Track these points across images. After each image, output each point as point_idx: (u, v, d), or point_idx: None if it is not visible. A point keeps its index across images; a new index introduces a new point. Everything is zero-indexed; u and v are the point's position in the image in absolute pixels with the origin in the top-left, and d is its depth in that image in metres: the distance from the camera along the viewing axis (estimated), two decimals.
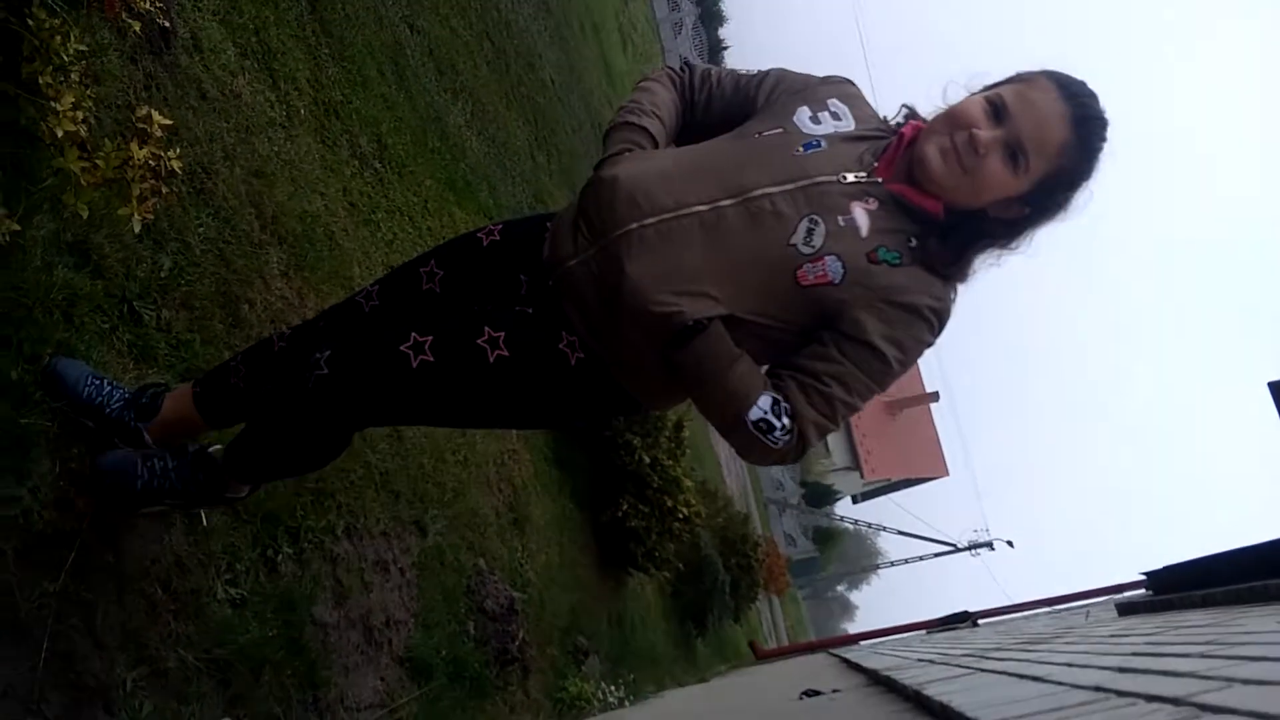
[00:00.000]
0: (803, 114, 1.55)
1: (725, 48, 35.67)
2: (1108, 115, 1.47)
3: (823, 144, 1.50)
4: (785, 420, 1.39)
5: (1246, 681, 0.93)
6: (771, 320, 1.43)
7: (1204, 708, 0.82)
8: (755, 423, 1.38)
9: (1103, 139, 1.46)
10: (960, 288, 1.53)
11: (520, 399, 1.47)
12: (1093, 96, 1.46)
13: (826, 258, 1.40)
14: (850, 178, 1.47)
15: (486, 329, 1.42)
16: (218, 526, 1.86)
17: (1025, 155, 1.43)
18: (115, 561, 1.60)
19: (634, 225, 1.43)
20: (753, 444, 1.40)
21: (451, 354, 1.42)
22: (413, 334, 1.42)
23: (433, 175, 4.14)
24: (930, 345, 1.48)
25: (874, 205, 1.45)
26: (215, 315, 2.10)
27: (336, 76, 3.37)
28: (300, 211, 2.70)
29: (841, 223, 1.43)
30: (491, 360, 1.41)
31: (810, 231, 1.42)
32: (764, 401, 1.39)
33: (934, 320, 1.46)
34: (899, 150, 1.51)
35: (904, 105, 1.62)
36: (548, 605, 3.95)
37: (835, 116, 1.56)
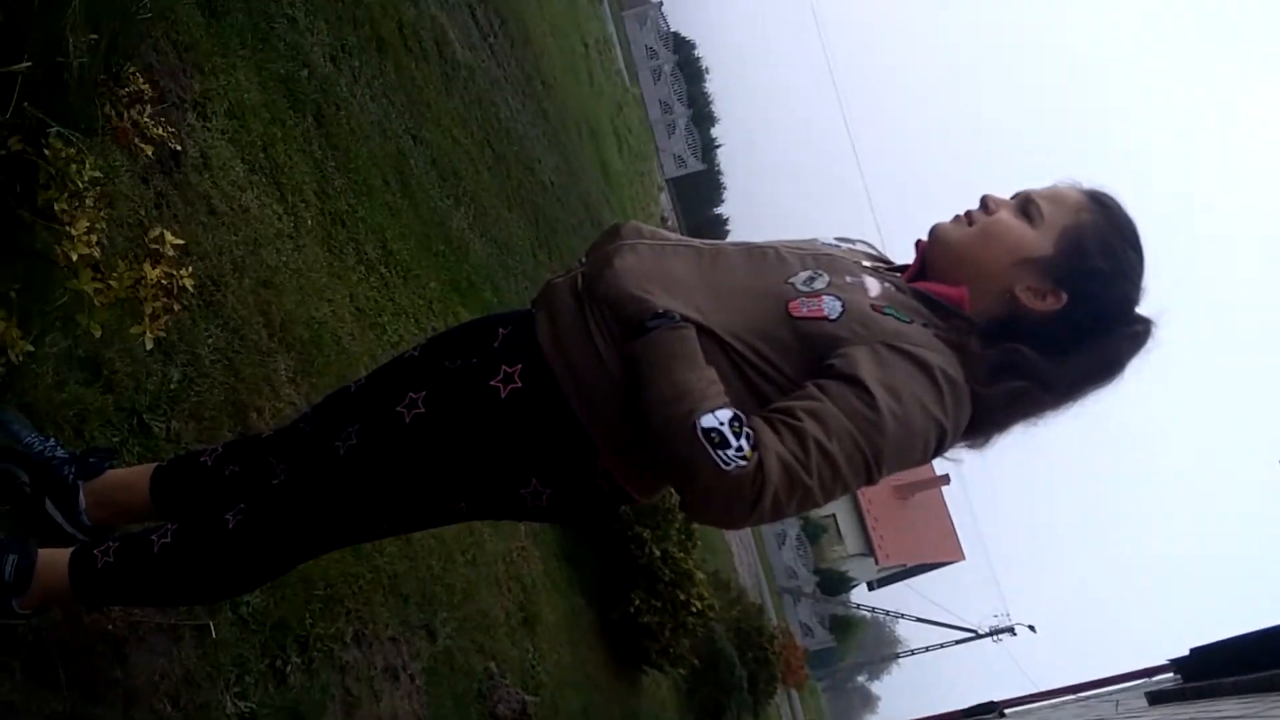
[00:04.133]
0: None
1: (718, 146, 36.63)
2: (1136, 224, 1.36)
3: (840, 247, 1.45)
4: (745, 443, 1.12)
5: None
6: (754, 354, 1.26)
7: None
8: (707, 431, 1.12)
9: (1130, 222, 1.35)
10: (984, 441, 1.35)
11: (445, 457, 1.31)
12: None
13: (825, 296, 1.27)
14: (867, 263, 1.41)
15: (409, 394, 1.34)
16: (226, 638, 1.85)
17: (1038, 207, 1.34)
18: (123, 676, 1.58)
19: (630, 241, 1.39)
20: (698, 460, 1.12)
21: (371, 430, 1.35)
22: (347, 426, 1.39)
23: (437, 277, 4.21)
24: (936, 420, 1.22)
25: (890, 287, 1.33)
26: (224, 424, 2.12)
27: (342, 187, 3.47)
28: (308, 318, 2.75)
29: (849, 280, 1.31)
30: (408, 421, 1.32)
31: (812, 279, 1.30)
32: (723, 414, 1.14)
33: (944, 386, 1.22)
34: (917, 261, 1.43)
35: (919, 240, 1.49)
36: (561, 707, 3.86)
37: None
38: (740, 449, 1.12)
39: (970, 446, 1.36)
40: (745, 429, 1.14)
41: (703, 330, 1.25)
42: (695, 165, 31.90)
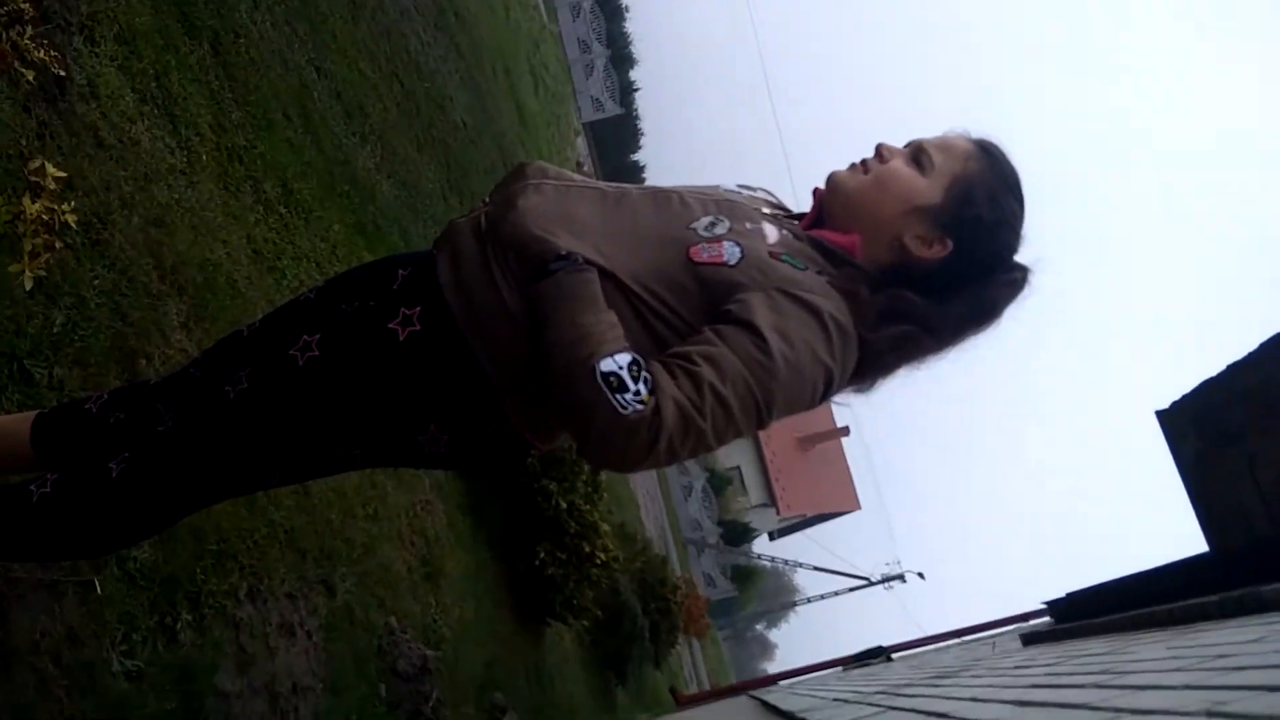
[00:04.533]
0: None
1: (636, 89, 36.22)
2: (1020, 174, 1.41)
3: (741, 194, 1.48)
4: (642, 387, 1.14)
5: (1134, 711, 0.97)
6: (654, 298, 1.26)
7: None
8: (606, 375, 1.14)
9: (1014, 172, 1.40)
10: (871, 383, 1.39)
11: (339, 401, 1.29)
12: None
13: (725, 242, 1.29)
14: (766, 210, 1.43)
15: (303, 336, 1.32)
16: (112, 594, 1.78)
17: (929, 155, 1.39)
18: (1, 635, 1.51)
19: (535, 181, 1.37)
20: (596, 403, 1.14)
21: (262, 373, 1.32)
22: (238, 370, 1.35)
23: (341, 220, 4.08)
24: (825, 365, 1.26)
25: (787, 234, 1.36)
26: (110, 371, 2.03)
27: (240, 121, 3.31)
28: (201, 260, 2.63)
29: (749, 226, 1.34)
30: (301, 364, 1.29)
31: (713, 224, 1.32)
32: (622, 358, 1.16)
33: (833, 332, 1.26)
34: (814, 209, 1.46)
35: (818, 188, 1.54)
36: (463, 662, 3.87)
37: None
38: (638, 393, 1.14)
39: (857, 390, 1.41)
40: (643, 373, 1.16)
41: (604, 274, 1.25)
42: (613, 109, 31.49)
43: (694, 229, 1.31)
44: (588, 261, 1.25)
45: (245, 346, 1.45)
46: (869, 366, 1.35)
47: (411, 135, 6.20)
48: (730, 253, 1.27)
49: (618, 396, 1.13)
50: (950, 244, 1.36)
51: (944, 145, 1.40)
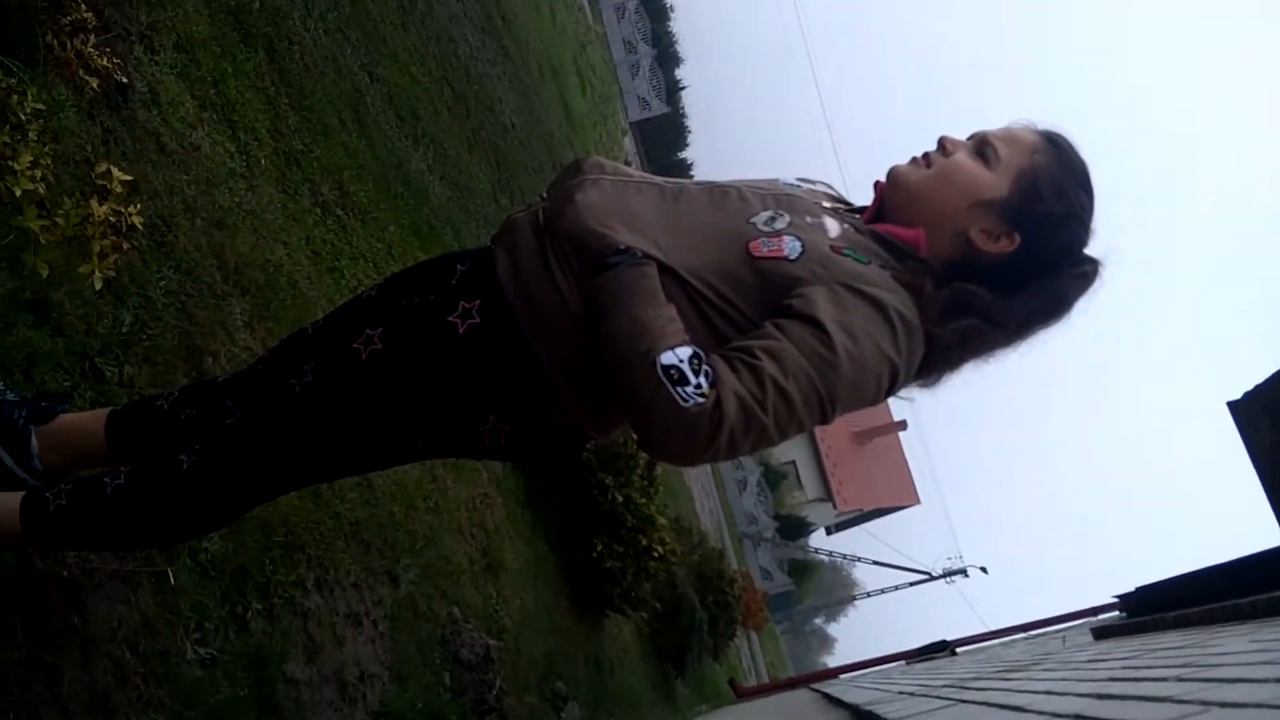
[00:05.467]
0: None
1: (683, 88, 36.17)
2: (1088, 166, 1.38)
3: (801, 187, 1.46)
4: (703, 380, 1.14)
5: (1223, 704, 0.94)
6: (714, 293, 1.26)
7: None
8: (667, 368, 1.14)
9: (1082, 164, 1.38)
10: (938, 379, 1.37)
11: (401, 393, 1.30)
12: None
13: (785, 236, 1.28)
14: (826, 204, 1.41)
15: (365, 331, 1.34)
16: (185, 585, 1.83)
17: (994, 148, 1.36)
18: (80, 624, 1.56)
19: (593, 176, 1.37)
20: (657, 397, 1.13)
21: (327, 367, 1.34)
22: (303, 364, 1.37)
23: (396, 221, 4.14)
24: (890, 360, 1.24)
25: (849, 228, 1.35)
26: (178, 369, 2.08)
27: (296, 126, 3.37)
28: (263, 261, 2.68)
29: (809, 221, 1.32)
30: (365, 357, 1.31)
31: (773, 219, 1.31)
32: (683, 351, 1.15)
33: (898, 326, 1.24)
34: (875, 203, 1.44)
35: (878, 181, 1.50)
36: (524, 651, 3.90)
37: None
38: (699, 386, 1.14)
39: (923, 385, 1.39)
40: (704, 367, 1.16)
41: (663, 268, 1.25)
42: (660, 108, 31.48)
43: (753, 224, 1.31)
44: (646, 256, 1.25)
45: (310, 343, 1.49)
46: (935, 361, 1.33)
47: (462, 137, 6.26)
48: (791, 247, 1.26)
49: (679, 390, 1.13)
50: (1018, 238, 1.34)
51: (1009, 137, 1.38)
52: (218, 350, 2.25)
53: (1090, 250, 1.38)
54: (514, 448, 1.36)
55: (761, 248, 1.27)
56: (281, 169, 3.13)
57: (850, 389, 1.22)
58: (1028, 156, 1.35)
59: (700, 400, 1.13)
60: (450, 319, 1.30)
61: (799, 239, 1.27)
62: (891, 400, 1.41)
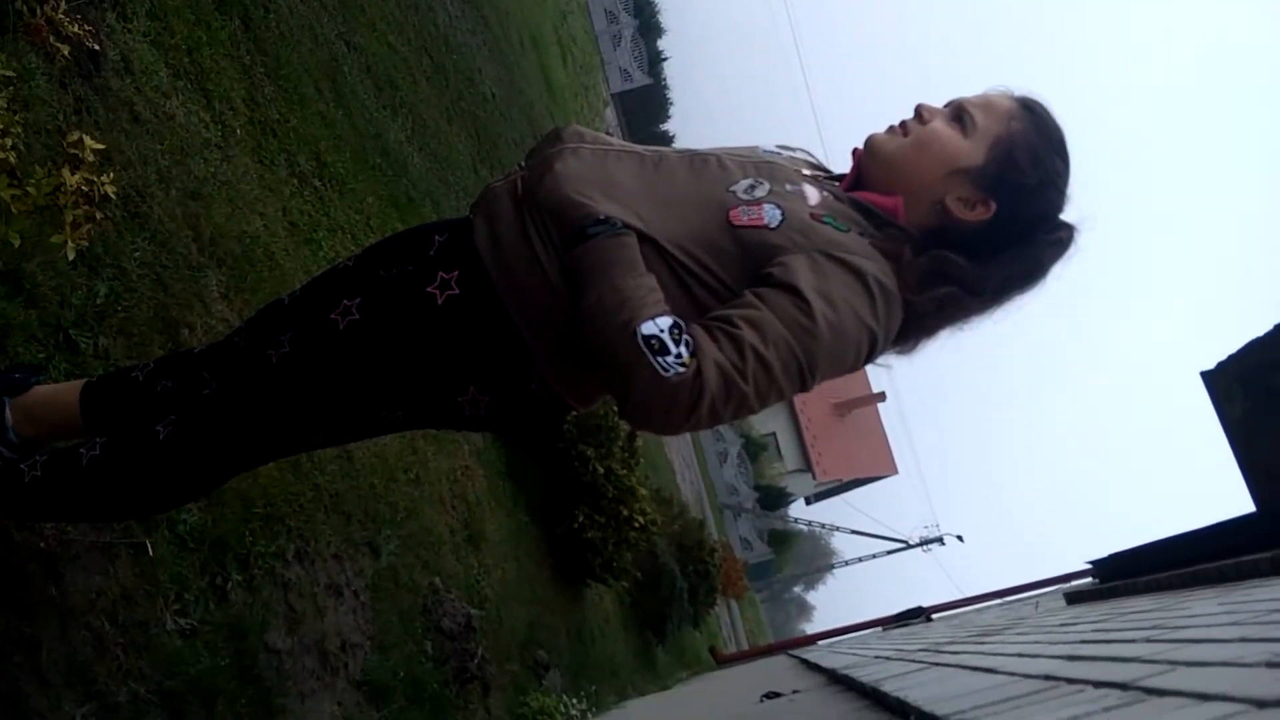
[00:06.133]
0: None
1: (664, 59, 35.87)
2: (1065, 132, 1.38)
3: (781, 155, 1.46)
4: (684, 350, 1.14)
5: (1189, 663, 0.96)
6: (694, 262, 1.26)
7: (1149, 691, 0.85)
8: (647, 338, 1.14)
9: (1058, 130, 1.37)
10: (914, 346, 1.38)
11: (380, 364, 1.30)
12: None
13: (765, 204, 1.28)
14: (806, 171, 1.41)
15: (343, 301, 1.33)
16: (164, 556, 1.83)
17: (970, 116, 1.36)
18: (58, 595, 1.55)
19: (573, 145, 1.37)
20: (638, 366, 1.14)
21: (304, 337, 1.34)
22: (280, 334, 1.37)
23: (375, 192, 4.10)
24: (868, 327, 1.24)
25: (828, 195, 1.35)
26: (154, 340, 2.06)
27: (273, 95, 3.33)
28: (239, 232, 2.66)
29: (789, 188, 1.32)
30: (342, 328, 1.31)
31: (753, 187, 1.31)
32: (664, 321, 1.16)
33: (876, 294, 1.24)
34: (854, 171, 1.45)
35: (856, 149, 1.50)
36: (506, 621, 3.93)
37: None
38: (679, 356, 1.14)
39: (900, 352, 1.40)
40: (685, 336, 1.16)
41: (643, 238, 1.25)
42: (641, 79, 31.22)
43: (733, 192, 1.30)
44: (626, 225, 1.24)
45: (286, 313, 1.48)
46: (912, 328, 1.34)
47: (441, 108, 6.20)
48: (771, 215, 1.26)
49: (659, 359, 1.13)
50: (994, 206, 1.34)
51: (986, 104, 1.38)
52: (194, 322, 2.24)
53: (1066, 216, 1.39)
54: (494, 419, 1.35)
55: (742, 216, 1.27)
56: (257, 139, 3.09)
57: (829, 357, 1.22)
58: (1004, 123, 1.35)
59: (681, 370, 1.13)
60: (429, 290, 1.30)
61: (779, 207, 1.27)
62: (870, 371, 1.41)
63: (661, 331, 1.15)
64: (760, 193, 1.30)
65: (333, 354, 1.31)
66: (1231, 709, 0.69)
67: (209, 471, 1.38)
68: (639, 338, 1.14)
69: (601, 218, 1.24)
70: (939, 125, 1.37)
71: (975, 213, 1.35)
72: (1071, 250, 1.38)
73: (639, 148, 1.40)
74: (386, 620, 2.72)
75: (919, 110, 1.39)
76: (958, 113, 1.37)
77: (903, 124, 1.40)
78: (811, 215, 1.28)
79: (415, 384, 1.32)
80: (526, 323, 1.29)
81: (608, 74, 29.07)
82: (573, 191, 1.28)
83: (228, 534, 2.05)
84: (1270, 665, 0.84)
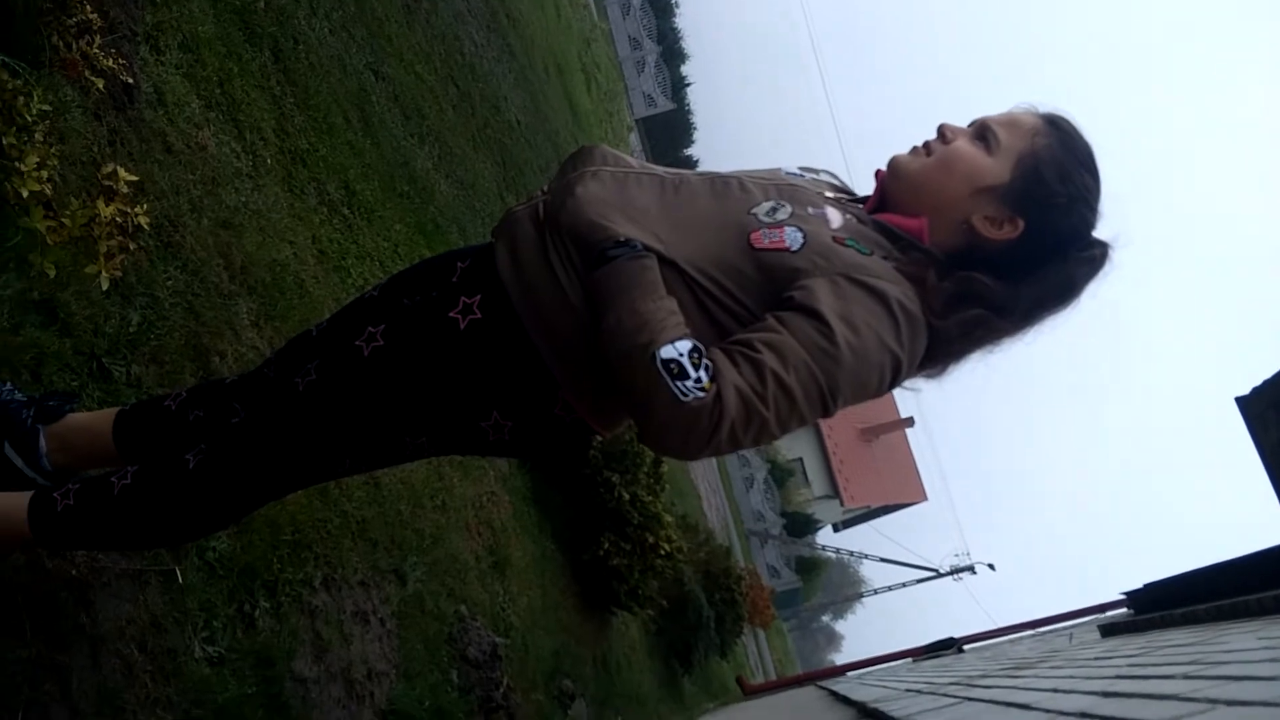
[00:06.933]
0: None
1: (688, 84, 36.13)
2: (1093, 147, 1.36)
3: (804, 177, 1.46)
4: (703, 374, 1.14)
5: (1230, 702, 0.94)
6: (715, 285, 1.25)
7: None
8: (666, 362, 1.13)
9: (1085, 145, 1.35)
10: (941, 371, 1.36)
11: (404, 390, 1.30)
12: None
13: (786, 227, 1.26)
14: (829, 194, 1.40)
15: (368, 328, 1.34)
16: (193, 583, 1.83)
17: (994, 133, 1.34)
18: (89, 622, 1.56)
19: (594, 168, 1.37)
20: (657, 390, 1.13)
21: (330, 364, 1.34)
22: (307, 363, 1.38)
23: (402, 219, 4.14)
24: (892, 352, 1.23)
25: (851, 218, 1.33)
26: (185, 369, 2.08)
27: (302, 125, 3.38)
28: (269, 261, 2.69)
29: (811, 211, 1.31)
30: (367, 354, 1.31)
31: (774, 209, 1.30)
32: (683, 345, 1.15)
33: (900, 318, 1.22)
34: (877, 192, 1.43)
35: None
36: (531, 649, 3.91)
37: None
38: (699, 380, 1.13)
39: (928, 376, 1.37)
40: (704, 360, 1.15)
41: (664, 261, 1.24)
42: (665, 104, 31.45)
43: (755, 214, 1.29)
44: (646, 248, 1.24)
45: (314, 343, 1.49)
46: (939, 352, 1.32)
47: (468, 135, 6.26)
48: (793, 238, 1.25)
49: (678, 384, 1.13)
50: (1021, 224, 1.32)
51: (1010, 122, 1.36)
52: (225, 350, 2.26)
53: (1098, 233, 1.36)
54: (518, 444, 1.35)
55: (763, 239, 1.26)
56: (287, 168, 3.14)
57: (852, 381, 1.21)
58: (1029, 140, 1.33)
59: (700, 394, 1.13)
60: (451, 315, 1.30)
61: (801, 230, 1.26)
62: (898, 395, 1.39)
63: (681, 355, 1.14)
64: (782, 215, 1.29)
65: (358, 380, 1.32)
66: None
67: (237, 500, 1.39)
68: (658, 361, 1.14)
69: (622, 240, 1.24)
70: (963, 144, 1.36)
71: (1003, 231, 1.33)
72: (1106, 268, 1.35)
73: (660, 170, 1.40)
74: (412, 648, 2.72)
75: (942, 130, 1.38)
76: (981, 131, 1.36)
77: (926, 144, 1.38)
78: (834, 238, 1.26)
79: (439, 409, 1.32)
80: (549, 347, 1.29)
81: (631, 100, 29.32)
82: (594, 214, 1.28)
83: (256, 561, 2.06)
84: None
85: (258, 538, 2.09)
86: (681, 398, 1.12)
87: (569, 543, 5.43)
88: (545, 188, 1.42)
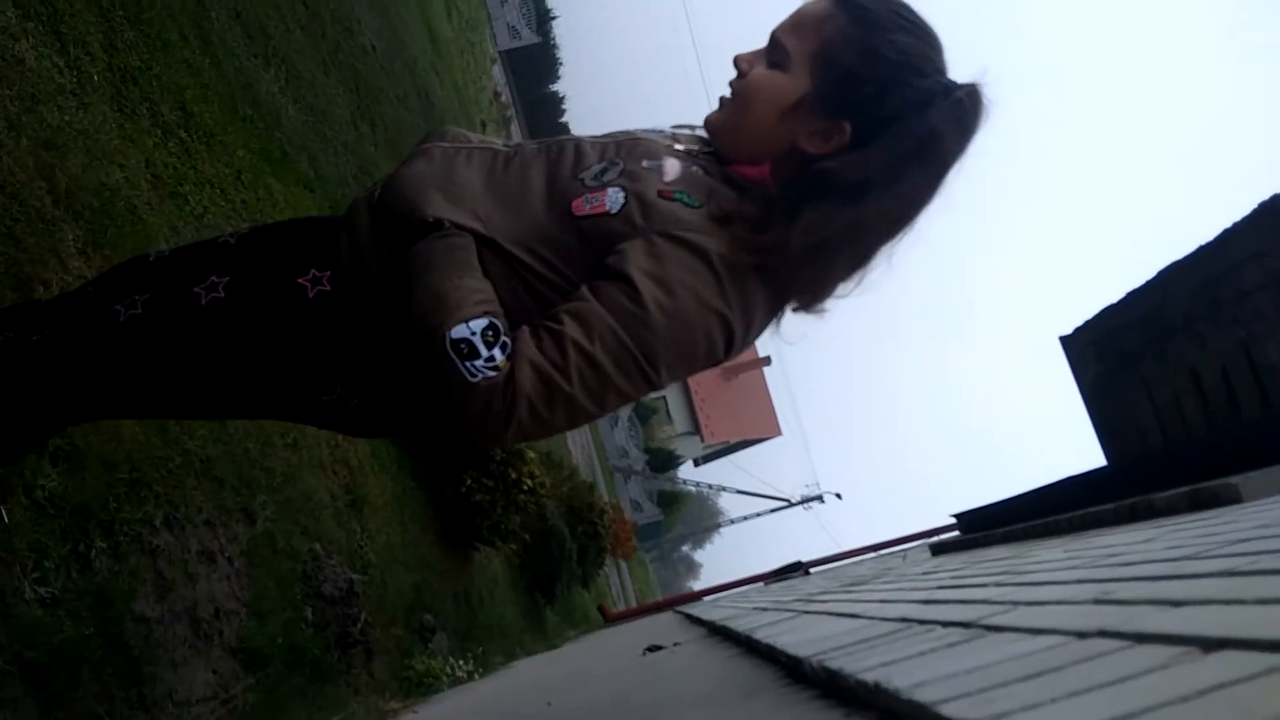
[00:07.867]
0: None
1: (554, 17, 35.32)
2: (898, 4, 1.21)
3: (663, 132, 1.35)
4: (497, 353, 1.07)
5: (1029, 603, 1.04)
6: (539, 262, 1.18)
7: (989, 628, 0.92)
8: (456, 342, 1.06)
9: (884, 10, 1.20)
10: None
11: (239, 347, 1.22)
12: None
13: (609, 189, 1.17)
14: (680, 146, 1.28)
15: (211, 276, 1.24)
16: (21, 523, 1.74)
17: (782, 46, 1.21)
18: None
19: (430, 144, 1.31)
20: (448, 372, 1.07)
21: (160, 303, 1.24)
22: (135, 294, 1.26)
23: (246, 145, 3.94)
24: (717, 312, 1.14)
25: (697, 169, 1.22)
26: (6, 299, 1.94)
27: (133, 40, 3.15)
28: (97, 184, 2.52)
29: (645, 165, 1.20)
30: (204, 303, 1.22)
31: (604, 171, 1.21)
32: (477, 324, 1.08)
33: (723, 274, 1.13)
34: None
35: None
36: (391, 585, 3.89)
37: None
38: (491, 359, 1.07)
39: (806, 311, 1.26)
40: (502, 338, 1.08)
41: (483, 240, 1.18)
42: (530, 37, 30.68)
43: (581, 180, 1.21)
44: (460, 227, 1.17)
45: (148, 272, 1.40)
46: (798, 279, 1.21)
47: (317, 59, 5.96)
48: (613, 200, 1.17)
49: (467, 364, 1.06)
50: (847, 125, 1.19)
51: (795, 23, 1.22)
52: (50, 278, 2.12)
53: (955, 79, 1.21)
54: (361, 421, 1.29)
55: (584, 206, 1.17)
56: (117, 86, 2.92)
57: (671, 347, 1.13)
58: (816, 35, 1.20)
59: (491, 374, 1.06)
60: (300, 281, 1.23)
61: (623, 189, 1.17)
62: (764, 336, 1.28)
63: (473, 335, 1.07)
64: (610, 176, 1.20)
65: (187, 329, 1.23)
66: (1057, 641, 0.75)
67: (34, 421, 1.29)
68: (448, 342, 1.07)
69: (430, 219, 1.17)
70: (757, 71, 1.23)
71: (833, 141, 1.20)
72: (982, 107, 1.19)
73: (498, 143, 1.33)
74: (263, 587, 2.67)
75: (737, 62, 1.25)
76: (772, 50, 1.23)
77: (730, 85, 1.27)
78: (660, 193, 1.17)
79: (276, 376, 1.25)
80: (390, 330, 1.21)
81: (495, 30, 28.47)
82: (410, 194, 1.22)
83: (90, 500, 1.97)
84: (1097, 602, 0.92)
85: (91, 476, 1.99)
86: (469, 378, 1.06)
87: (430, 480, 5.39)
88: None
